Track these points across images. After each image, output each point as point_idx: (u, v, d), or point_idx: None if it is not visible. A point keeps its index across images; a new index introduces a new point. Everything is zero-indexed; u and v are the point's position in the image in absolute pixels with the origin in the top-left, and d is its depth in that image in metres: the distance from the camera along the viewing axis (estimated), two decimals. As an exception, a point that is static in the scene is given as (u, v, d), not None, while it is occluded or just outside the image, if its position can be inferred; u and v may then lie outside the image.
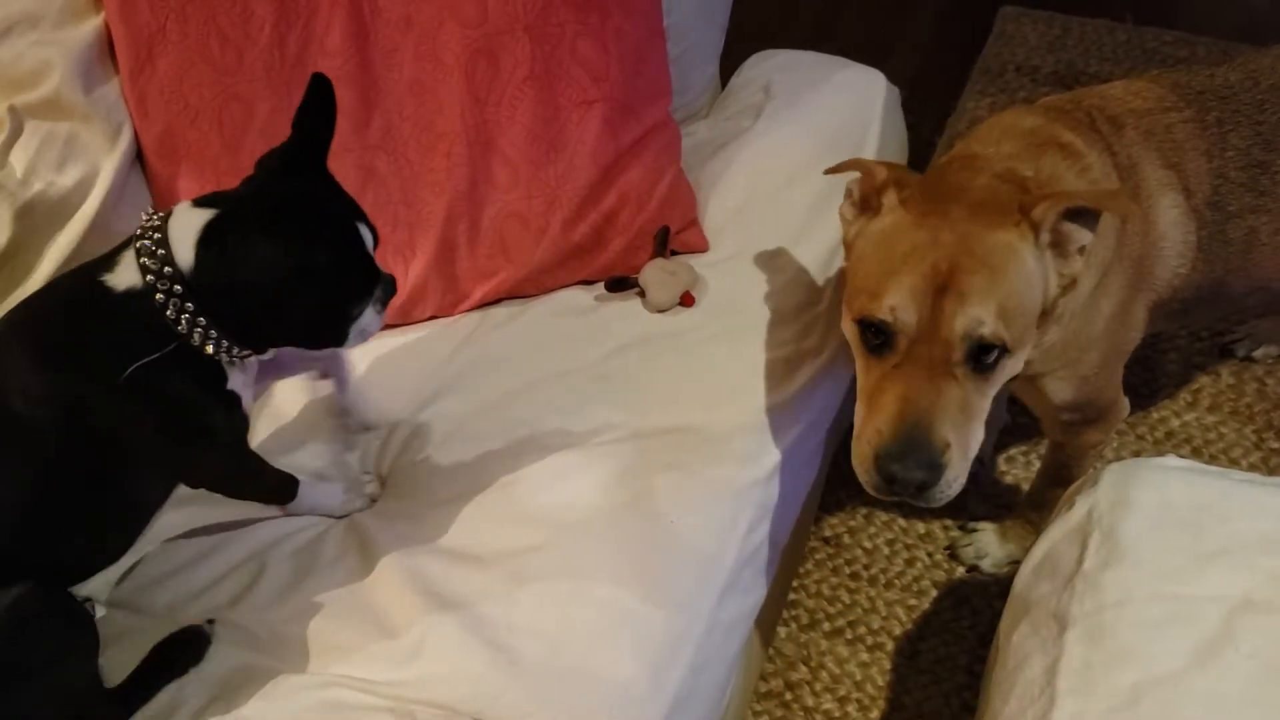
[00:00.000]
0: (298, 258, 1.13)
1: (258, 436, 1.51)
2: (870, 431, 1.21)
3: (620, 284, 1.64)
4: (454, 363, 1.60)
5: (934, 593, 1.85)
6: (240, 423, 1.29)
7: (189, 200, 1.19)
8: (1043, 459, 1.74)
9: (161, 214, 1.18)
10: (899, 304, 1.18)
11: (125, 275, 1.16)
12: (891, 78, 1.94)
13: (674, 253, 1.68)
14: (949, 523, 1.92)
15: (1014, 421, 1.96)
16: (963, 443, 1.20)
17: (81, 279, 1.20)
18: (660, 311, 1.62)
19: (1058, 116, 1.39)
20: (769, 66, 1.97)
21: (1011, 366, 1.23)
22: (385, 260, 1.59)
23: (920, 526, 1.93)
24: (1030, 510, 1.78)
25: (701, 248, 1.70)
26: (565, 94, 1.61)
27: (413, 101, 1.60)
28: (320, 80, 1.21)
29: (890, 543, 1.91)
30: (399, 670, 1.25)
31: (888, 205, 1.27)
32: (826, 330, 1.58)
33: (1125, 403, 1.56)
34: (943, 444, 1.18)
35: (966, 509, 1.93)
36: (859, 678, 1.76)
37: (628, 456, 1.43)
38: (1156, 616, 1.09)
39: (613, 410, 1.49)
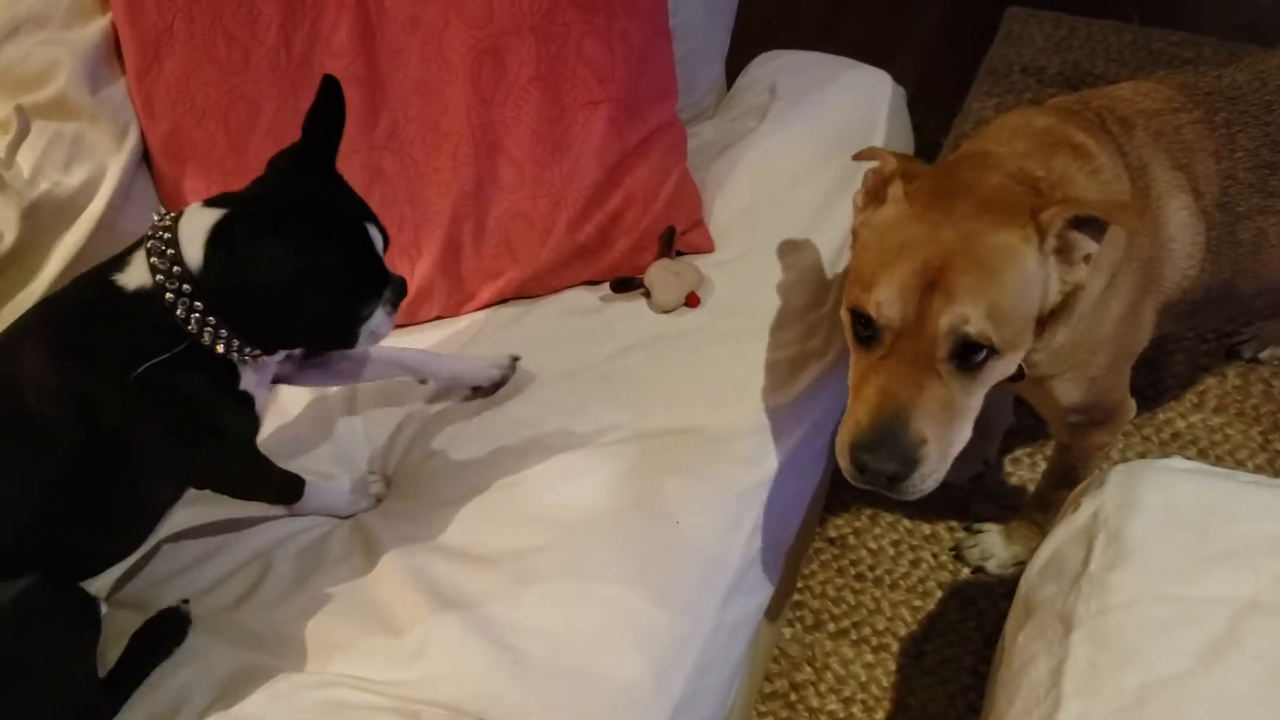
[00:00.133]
0: (306, 258, 1.14)
1: (263, 436, 1.51)
2: (850, 421, 1.22)
3: (625, 284, 1.64)
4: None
5: (939, 594, 1.84)
6: (251, 423, 1.29)
7: (200, 201, 1.20)
8: (1049, 460, 1.73)
9: (172, 214, 1.19)
10: (885, 298, 1.18)
11: (136, 275, 1.17)
12: (897, 78, 1.93)
13: (679, 253, 1.68)
14: (954, 524, 1.92)
15: (1020, 423, 1.96)
16: (942, 439, 1.20)
17: (95, 279, 1.20)
18: (665, 312, 1.62)
19: (1069, 117, 1.39)
20: (775, 67, 1.97)
21: (1002, 368, 1.23)
22: (391, 260, 1.59)
23: (926, 527, 1.92)
24: (1036, 511, 1.77)
25: (707, 248, 1.70)
26: (571, 94, 1.61)
27: (418, 102, 1.60)
28: (330, 82, 1.21)
29: (895, 544, 1.91)
30: (403, 670, 1.25)
31: (891, 196, 1.27)
32: (831, 331, 1.58)
33: (1132, 404, 1.55)
34: (918, 439, 1.18)
35: (972, 510, 1.93)
36: (864, 679, 1.76)
37: (632, 457, 1.43)
38: (1162, 618, 1.09)
39: (617, 411, 1.49)
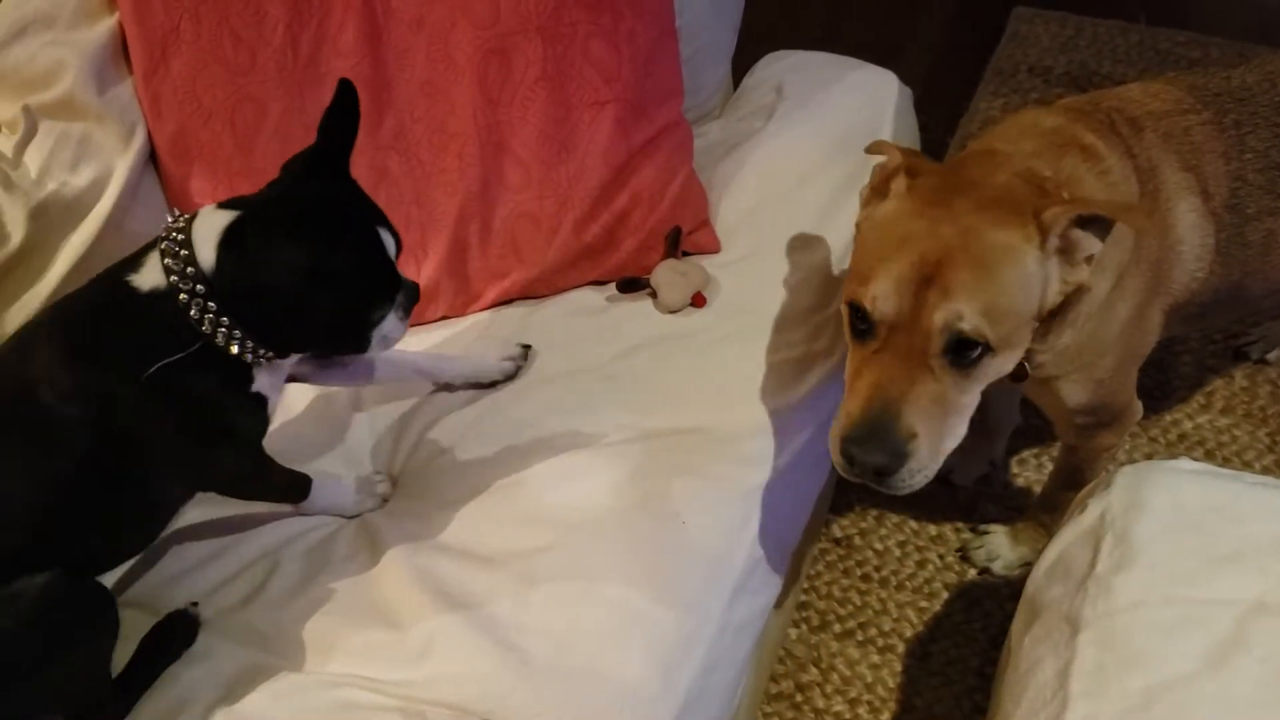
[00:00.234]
0: (317, 261, 1.14)
1: (268, 434, 1.51)
2: (842, 414, 1.23)
3: (632, 285, 1.64)
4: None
5: (945, 595, 1.84)
6: (261, 424, 1.30)
7: (214, 203, 1.21)
8: (1055, 462, 1.73)
9: (186, 216, 1.20)
10: (881, 292, 1.19)
11: (150, 276, 1.18)
12: (904, 78, 1.93)
13: (686, 253, 1.68)
14: (960, 525, 1.92)
15: (1026, 424, 1.96)
16: (933, 435, 1.20)
17: (109, 280, 1.21)
18: (671, 312, 1.62)
19: (1078, 117, 1.38)
20: (781, 67, 1.97)
21: (999, 366, 1.23)
22: (398, 261, 1.59)
23: (932, 528, 1.92)
24: (1042, 513, 1.77)
25: (713, 248, 1.70)
26: (577, 94, 1.61)
27: (425, 102, 1.61)
28: (346, 85, 1.22)
29: (901, 544, 1.91)
30: (409, 670, 1.25)
31: (894, 191, 1.27)
32: (838, 332, 1.57)
33: (1139, 406, 1.55)
34: (907, 433, 1.18)
35: (978, 511, 1.93)
36: (870, 679, 1.76)
37: (638, 457, 1.43)
38: (1169, 620, 1.09)
39: (623, 411, 1.49)
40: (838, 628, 1.82)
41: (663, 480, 1.39)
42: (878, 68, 1.94)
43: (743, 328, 1.58)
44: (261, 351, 1.21)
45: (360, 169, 1.57)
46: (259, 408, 1.27)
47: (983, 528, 1.88)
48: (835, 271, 1.65)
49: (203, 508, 1.44)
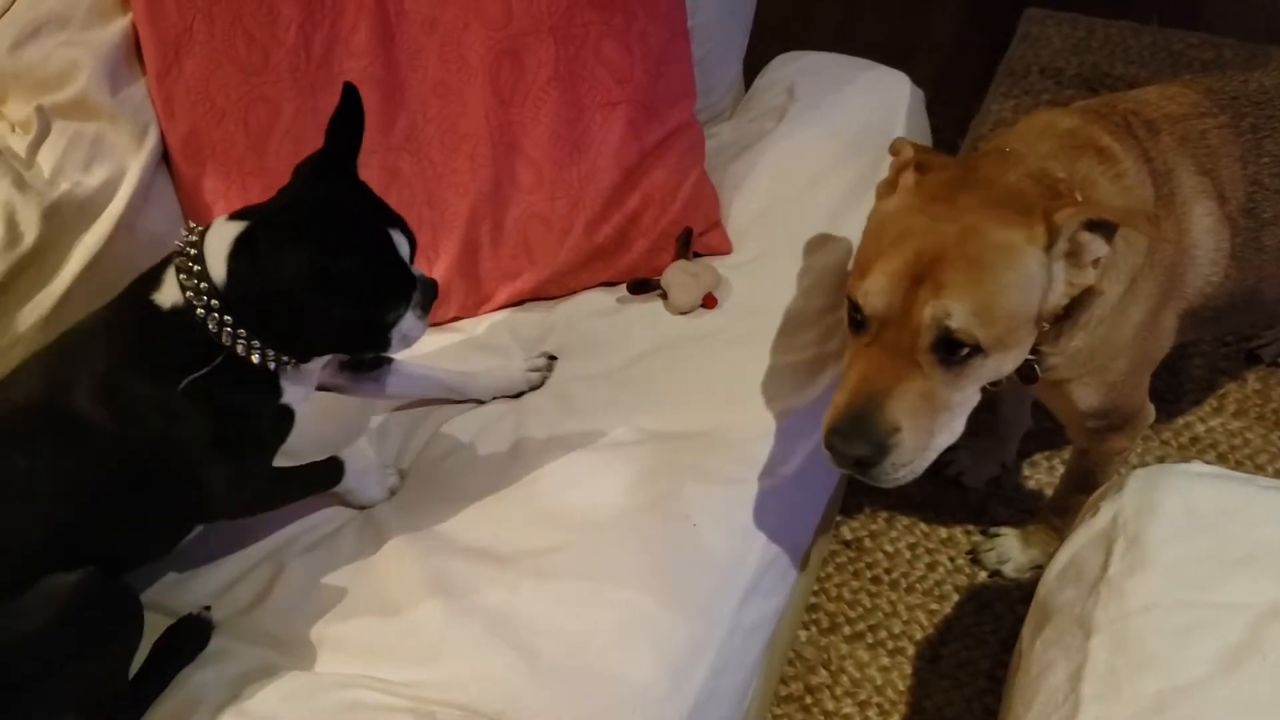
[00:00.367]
0: (324, 264, 1.15)
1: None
2: (831, 404, 1.24)
3: (642, 286, 1.64)
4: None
5: (956, 597, 1.84)
6: (286, 433, 1.32)
7: (224, 215, 1.22)
8: (1067, 465, 1.73)
9: (199, 229, 1.22)
10: (874, 287, 1.19)
11: (169, 293, 1.21)
12: (915, 79, 1.93)
13: (697, 254, 1.68)
14: (971, 527, 1.92)
15: (1037, 426, 1.95)
16: (919, 430, 1.20)
17: (134, 298, 1.24)
18: (682, 314, 1.62)
19: (1095, 119, 1.38)
20: (793, 68, 1.96)
21: (993, 367, 1.22)
22: (413, 260, 1.59)
23: (942, 531, 1.92)
24: (1053, 515, 1.77)
25: (725, 249, 1.70)
26: (589, 95, 1.61)
27: (437, 102, 1.61)
28: (349, 89, 1.24)
29: (912, 547, 1.91)
30: (419, 670, 1.26)
31: (902, 186, 1.28)
32: (849, 333, 1.57)
33: (1151, 410, 1.55)
34: (889, 426, 1.19)
35: (989, 513, 1.93)
36: (880, 682, 1.75)
37: (649, 459, 1.43)
38: (1182, 623, 1.08)
39: (634, 412, 1.49)
40: (848, 630, 1.81)
41: (674, 482, 1.39)
42: (890, 69, 1.94)
43: (754, 329, 1.58)
44: (284, 359, 1.22)
45: (372, 170, 1.58)
46: (286, 420, 1.30)
47: (993, 530, 1.88)
48: (847, 273, 1.65)
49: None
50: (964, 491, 1.95)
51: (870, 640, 1.80)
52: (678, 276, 1.62)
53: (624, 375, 1.55)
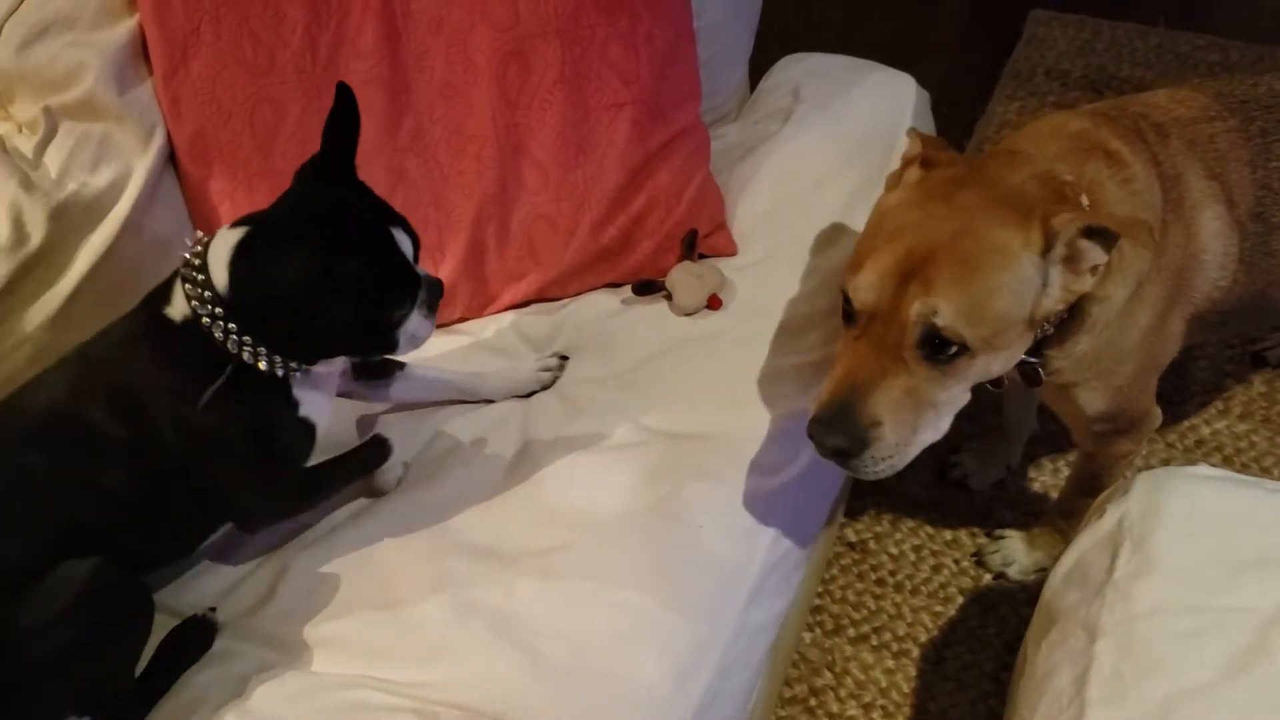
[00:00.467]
0: (326, 266, 1.15)
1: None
2: (817, 394, 1.25)
3: (647, 287, 1.64)
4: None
5: (960, 599, 1.84)
6: (309, 449, 1.33)
7: (227, 225, 1.23)
8: (1072, 468, 1.72)
9: (205, 239, 1.22)
10: (864, 282, 1.20)
11: (179, 306, 1.22)
12: (920, 81, 1.93)
13: (702, 256, 1.68)
14: (976, 529, 1.91)
15: (1042, 429, 1.95)
16: (900, 426, 1.21)
17: (147, 314, 1.25)
18: (687, 315, 1.62)
19: (1105, 122, 1.37)
20: (799, 70, 1.96)
21: (982, 367, 1.22)
22: (417, 260, 1.59)
23: (947, 533, 1.92)
24: (1059, 518, 1.77)
25: (730, 251, 1.70)
26: (595, 97, 1.61)
27: (443, 104, 1.61)
28: (343, 90, 1.24)
29: (917, 549, 1.90)
30: (422, 670, 1.26)
31: (905, 180, 1.28)
32: (854, 335, 1.57)
33: (1158, 413, 1.54)
34: (869, 420, 1.19)
35: (994, 516, 1.93)
36: (884, 684, 1.75)
37: (654, 460, 1.43)
38: (1188, 627, 1.08)
39: (639, 413, 1.49)
40: (852, 632, 1.81)
41: (679, 484, 1.39)
42: (895, 70, 1.93)
43: (759, 331, 1.58)
44: (292, 364, 1.22)
45: (378, 171, 1.58)
46: (308, 435, 1.30)
47: (998, 533, 1.88)
48: (850, 271, 1.65)
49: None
50: (969, 494, 1.95)
51: (875, 642, 1.80)
52: (683, 278, 1.62)
53: (629, 376, 1.55)
